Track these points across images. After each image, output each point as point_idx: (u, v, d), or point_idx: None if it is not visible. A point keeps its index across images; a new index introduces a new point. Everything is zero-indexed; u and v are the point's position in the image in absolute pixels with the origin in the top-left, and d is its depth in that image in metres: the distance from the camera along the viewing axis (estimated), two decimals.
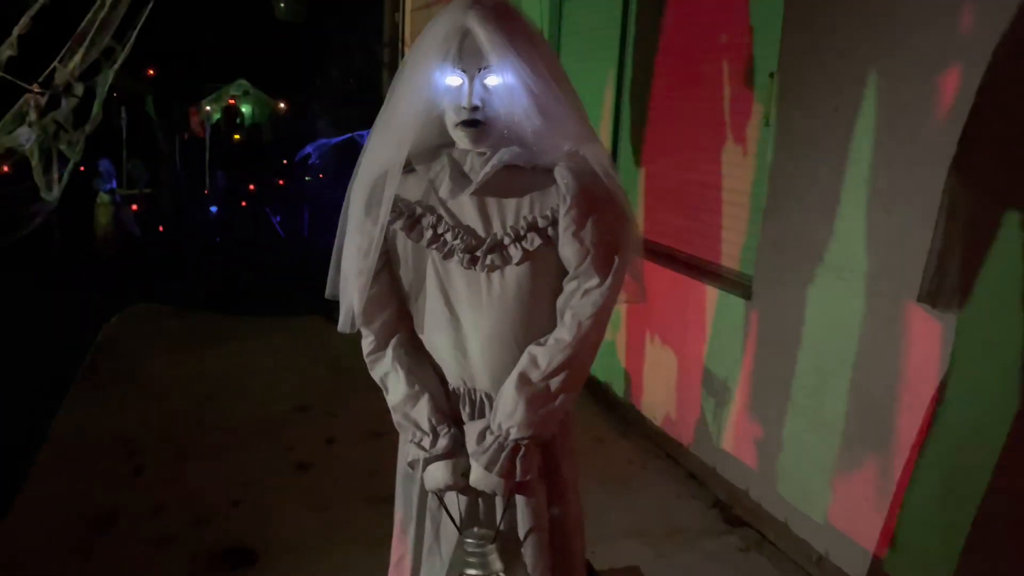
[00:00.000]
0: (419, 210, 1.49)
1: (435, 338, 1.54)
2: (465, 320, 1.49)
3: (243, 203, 12.76)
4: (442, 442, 1.50)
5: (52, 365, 4.68)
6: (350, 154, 11.06)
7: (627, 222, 1.52)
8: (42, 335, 5.32)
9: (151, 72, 16.35)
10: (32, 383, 4.37)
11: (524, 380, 1.46)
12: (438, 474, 1.51)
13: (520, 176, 1.47)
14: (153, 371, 4.58)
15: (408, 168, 1.48)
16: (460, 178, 1.47)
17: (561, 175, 1.45)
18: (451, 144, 1.50)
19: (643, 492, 3.48)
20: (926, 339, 2.36)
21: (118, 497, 3.20)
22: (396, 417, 1.56)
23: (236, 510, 3.15)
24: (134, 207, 11.28)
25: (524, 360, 1.47)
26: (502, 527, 1.53)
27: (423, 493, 1.60)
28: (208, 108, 14.05)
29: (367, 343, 1.57)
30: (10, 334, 5.08)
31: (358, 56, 7.46)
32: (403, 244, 1.51)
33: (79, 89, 5.17)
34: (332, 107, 13.48)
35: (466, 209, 1.47)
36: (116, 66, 5.30)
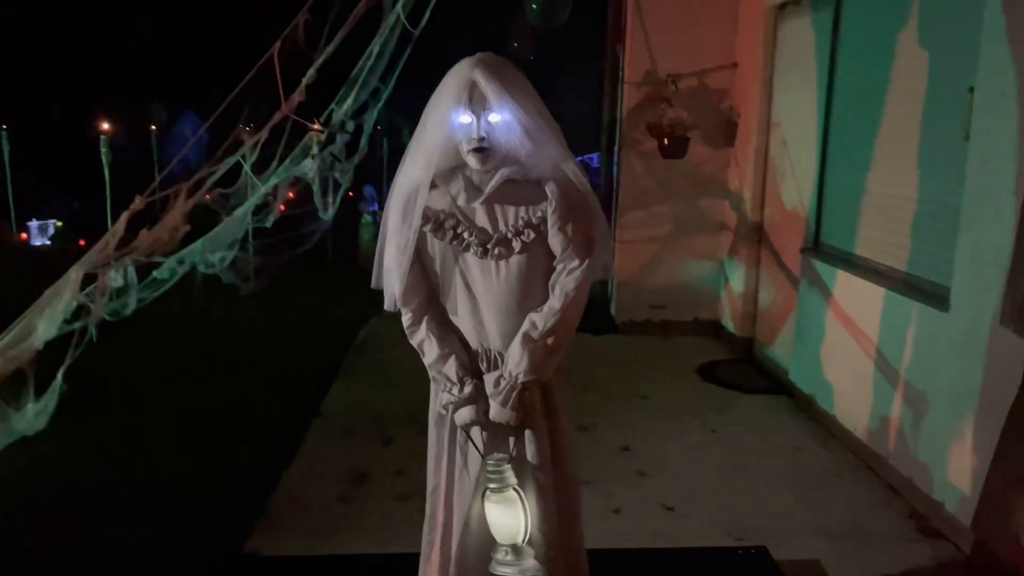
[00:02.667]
0: (443, 216, 1.98)
1: (458, 312, 2.03)
2: (480, 297, 1.99)
3: None
4: (467, 389, 1.98)
5: (324, 356, 5.63)
6: None
7: (598, 219, 2.01)
8: (317, 332, 6.36)
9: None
10: (309, 369, 5.32)
11: (527, 338, 1.94)
12: (465, 414, 1.99)
13: (517, 187, 1.95)
14: (399, 364, 5.37)
15: (432, 184, 1.97)
16: (473, 191, 1.96)
17: (548, 186, 1.94)
18: (464, 166, 1.97)
19: (836, 499, 3.57)
20: None
21: (370, 461, 3.90)
22: (432, 373, 2.05)
23: None
24: None
25: (526, 324, 1.96)
26: (514, 452, 2.00)
27: (452, 431, 2.07)
28: None
29: (406, 319, 2.06)
30: (292, 331, 6.15)
31: (583, 85, 8.04)
32: (431, 242, 1.99)
33: (351, 126, 6.15)
34: (565, 132, 14.19)
35: (478, 214, 1.97)
36: (380, 105, 6.24)
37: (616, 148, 6.20)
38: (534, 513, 1.99)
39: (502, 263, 1.96)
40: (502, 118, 1.88)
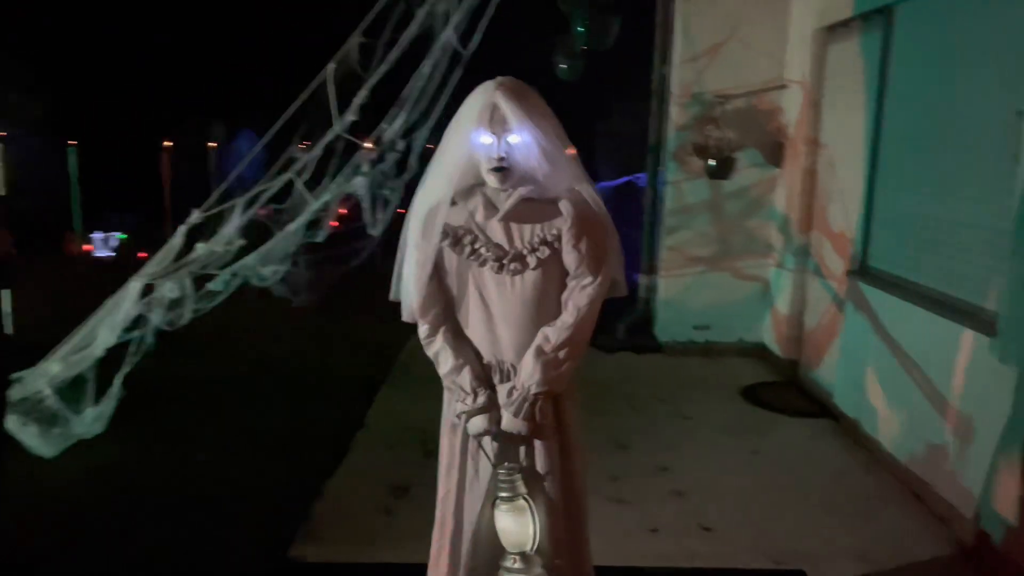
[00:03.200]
0: (461, 232, 2.05)
1: (473, 325, 2.09)
2: (495, 311, 2.06)
3: None
4: (480, 399, 2.05)
5: (370, 369, 5.75)
6: (627, 196, 11.66)
7: (611, 238, 2.07)
8: (364, 345, 6.49)
9: None
10: (355, 382, 5.43)
11: (539, 351, 2.01)
12: (478, 423, 2.06)
13: (534, 206, 2.02)
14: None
15: (452, 201, 2.05)
16: (491, 208, 2.04)
17: (564, 205, 2.01)
18: (483, 184, 2.05)
19: (878, 525, 3.52)
20: None
21: (412, 473, 3.97)
22: (446, 383, 2.12)
23: None
24: None
25: (539, 337, 2.02)
26: (525, 462, 2.06)
27: (464, 441, 2.13)
28: None
29: (423, 330, 2.13)
30: (340, 343, 6.29)
31: (631, 106, 8.08)
32: (449, 257, 2.06)
33: (400, 145, 6.30)
34: (614, 151, 14.25)
35: (495, 230, 2.04)
36: (431, 124, 6.37)
37: (662, 168, 6.22)
38: (543, 522, 2.03)
39: (517, 278, 2.03)
40: (521, 139, 1.96)
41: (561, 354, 2.01)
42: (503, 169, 1.98)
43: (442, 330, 2.11)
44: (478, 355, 2.11)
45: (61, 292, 7.22)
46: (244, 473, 4.02)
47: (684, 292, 6.17)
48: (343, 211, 7.13)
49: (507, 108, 1.94)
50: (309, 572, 3.15)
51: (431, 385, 5.75)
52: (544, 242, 2.02)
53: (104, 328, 4.17)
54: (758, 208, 5.98)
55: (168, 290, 4.48)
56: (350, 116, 5.78)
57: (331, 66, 4.84)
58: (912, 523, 3.54)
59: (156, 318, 4.51)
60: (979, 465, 3.27)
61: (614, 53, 6.03)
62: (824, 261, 5.21)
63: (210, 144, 12.01)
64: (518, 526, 2.00)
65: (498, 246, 2.03)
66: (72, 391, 4.08)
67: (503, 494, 2.00)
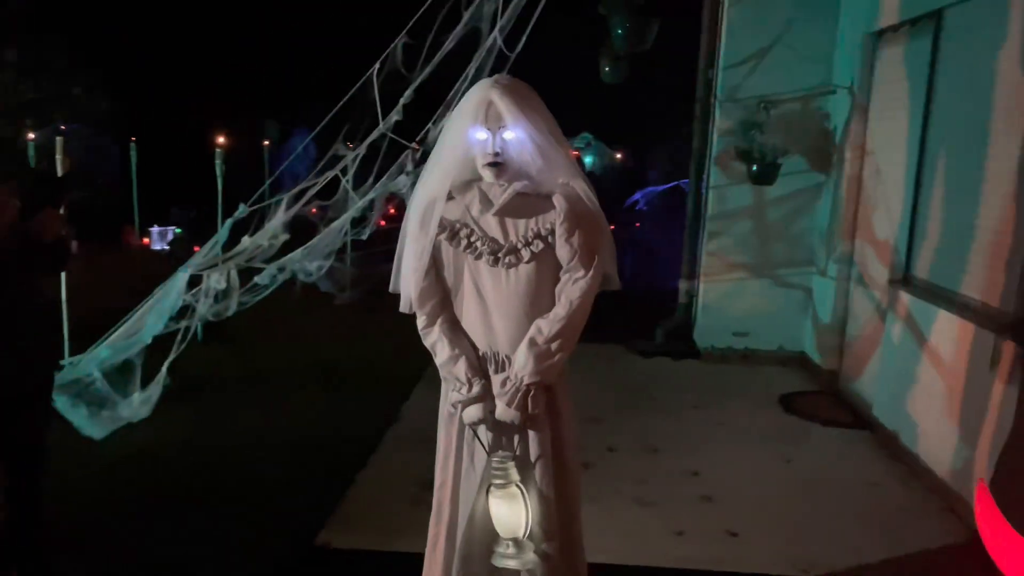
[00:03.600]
0: (458, 225, 2.11)
1: (469, 316, 2.15)
2: (490, 303, 2.12)
3: None
4: (476, 389, 2.10)
5: (409, 364, 5.82)
6: (675, 201, 11.57)
7: (603, 233, 2.12)
8: (405, 340, 6.57)
9: None
10: (394, 376, 5.52)
11: (533, 343, 2.06)
12: (473, 412, 2.11)
13: (528, 200, 2.08)
14: None
15: (449, 196, 2.10)
16: (486, 202, 2.09)
17: (557, 200, 2.07)
18: (479, 179, 2.10)
19: (912, 539, 3.45)
20: None
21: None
22: (443, 373, 2.16)
23: None
24: None
25: (532, 329, 2.08)
26: (518, 451, 2.12)
27: (461, 430, 2.18)
28: None
29: (421, 321, 2.17)
30: (382, 338, 6.38)
31: (675, 110, 8.04)
32: (446, 250, 2.12)
33: None
34: (664, 156, 14.17)
35: (491, 224, 2.09)
36: None
37: (705, 173, 6.18)
38: (535, 509, 2.09)
39: (512, 271, 2.08)
40: (516, 135, 2.02)
41: (554, 346, 2.07)
42: (498, 164, 2.04)
43: (439, 321, 2.17)
44: (474, 346, 2.16)
45: (118, 283, 7.48)
46: (279, 461, 4.13)
47: (724, 298, 6.12)
48: (393, 210, 7.26)
49: (502, 105, 2.00)
50: (333, 557, 3.23)
51: None
52: (538, 236, 2.07)
53: (152, 316, 4.33)
54: (802, 215, 5.90)
55: (215, 282, 4.63)
56: (395, 116, 5.89)
57: (376, 66, 4.93)
58: (948, 538, 3.46)
59: (202, 308, 4.67)
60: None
61: (663, 57, 6.02)
62: (867, 270, 5.12)
63: (265, 143, 12.30)
64: (511, 513, 2.07)
65: (493, 240, 2.09)
66: (120, 376, 4.25)
67: (497, 482, 2.06)
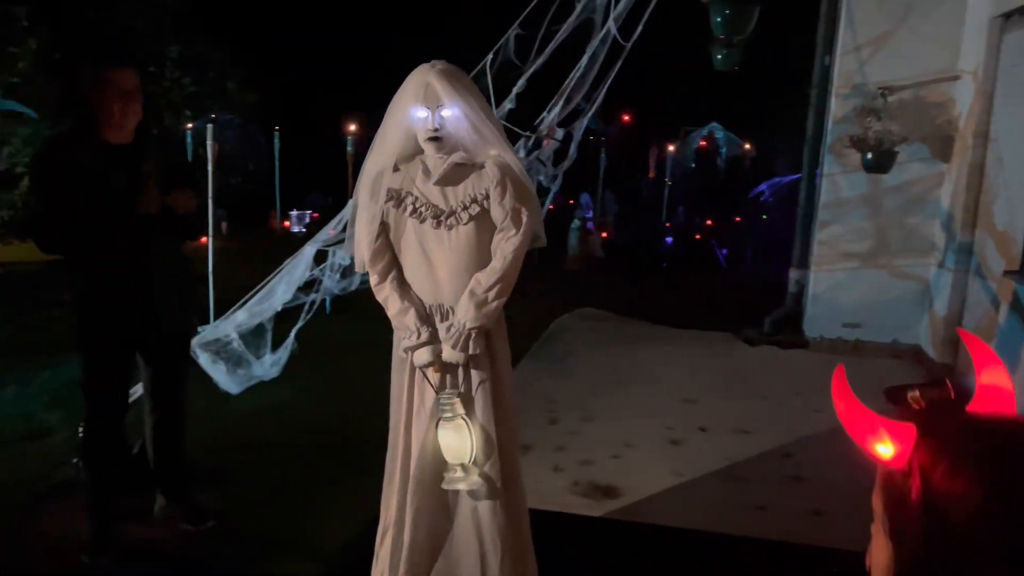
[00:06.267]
0: (403, 194, 2.36)
1: (416, 273, 2.41)
2: (435, 260, 2.38)
3: (697, 236, 13.82)
4: (424, 335, 2.36)
5: (516, 343, 6.09)
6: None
7: (531, 197, 2.38)
8: (514, 321, 6.85)
9: (626, 119, 18.45)
10: None
11: (472, 293, 2.33)
12: (422, 355, 2.38)
13: (465, 170, 2.33)
14: (579, 355, 5.73)
15: (395, 168, 2.37)
16: (428, 172, 2.34)
17: (490, 167, 2.33)
18: (421, 152, 2.35)
19: None
20: None
21: (535, 435, 4.26)
22: (394, 323, 2.43)
23: (614, 461, 3.97)
24: (603, 235, 13.08)
25: (472, 281, 2.34)
26: (462, 388, 2.40)
27: (412, 373, 2.45)
28: (672, 149, 15.51)
29: (374, 279, 2.43)
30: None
31: (790, 98, 7.88)
32: (394, 216, 2.37)
33: (559, 134, 6.58)
34: (790, 146, 13.78)
35: (432, 192, 2.34)
36: (590, 115, 6.61)
37: (820, 161, 6.09)
38: (478, 437, 2.38)
39: (453, 232, 2.35)
40: (452, 113, 2.26)
41: (491, 294, 2.33)
42: (438, 139, 2.27)
43: (389, 278, 2.43)
44: (420, 300, 2.43)
45: (261, 262, 8.17)
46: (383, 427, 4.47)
47: (836, 288, 6.02)
48: None
49: (439, 86, 2.23)
50: None
51: (567, 362, 6.05)
52: (474, 200, 2.33)
53: (282, 286, 4.79)
54: (921, 204, 5.72)
55: (340, 257, 5.06)
56: (508, 104, 6.15)
57: (489, 57, 5.20)
58: None
59: (328, 282, 5.10)
60: None
61: (774, 42, 5.98)
62: (986, 261, 4.94)
63: None
64: (458, 441, 2.35)
65: (435, 205, 2.35)
66: (254, 338, 4.74)
67: (445, 415, 2.34)
